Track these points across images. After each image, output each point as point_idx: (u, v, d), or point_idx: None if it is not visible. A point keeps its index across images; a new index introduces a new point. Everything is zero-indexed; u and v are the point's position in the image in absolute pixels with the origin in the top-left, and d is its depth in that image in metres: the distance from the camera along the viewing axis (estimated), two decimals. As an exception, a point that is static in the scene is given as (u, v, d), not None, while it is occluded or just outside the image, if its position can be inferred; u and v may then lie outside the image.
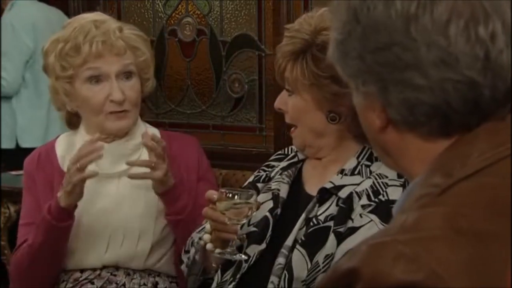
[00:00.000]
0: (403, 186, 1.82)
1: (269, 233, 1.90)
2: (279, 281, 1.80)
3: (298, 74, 1.85)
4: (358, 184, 1.85)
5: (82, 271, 2.35)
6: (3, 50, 4.36)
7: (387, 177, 1.85)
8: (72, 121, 2.43)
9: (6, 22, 4.41)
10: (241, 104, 3.88)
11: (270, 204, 1.95)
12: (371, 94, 1.06)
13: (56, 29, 4.32)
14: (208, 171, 2.49)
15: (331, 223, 1.81)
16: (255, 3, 3.80)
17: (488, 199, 0.94)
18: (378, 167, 1.87)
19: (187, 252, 2.11)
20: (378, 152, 1.15)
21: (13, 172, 3.82)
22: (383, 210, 1.78)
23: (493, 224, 0.92)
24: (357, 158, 1.90)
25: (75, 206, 2.27)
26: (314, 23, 1.86)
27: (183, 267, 2.13)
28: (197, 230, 2.11)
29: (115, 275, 2.34)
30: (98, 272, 2.34)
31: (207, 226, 1.97)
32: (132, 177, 2.28)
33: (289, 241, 1.84)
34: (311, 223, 1.84)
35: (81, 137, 2.39)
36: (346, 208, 1.82)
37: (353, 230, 1.78)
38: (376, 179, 1.85)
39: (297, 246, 1.82)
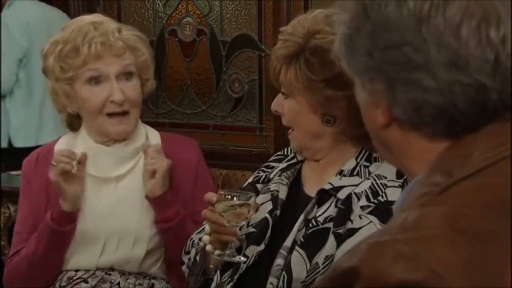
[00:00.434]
0: (402, 186, 1.82)
1: (268, 234, 1.90)
2: (278, 282, 1.80)
3: (292, 78, 1.85)
4: (357, 185, 1.85)
5: (76, 270, 2.35)
6: None
7: (386, 177, 1.85)
8: (73, 124, 2.42)
9: (1, 21, 4.41)
10: (241, 104, 3.88)
11: (269, 206, 1.94)
12: (378, 92, 1.05)
13: (55, 29, 4.31)
14: (205, 177, 2.47)
15: (330, 225, 1.81)
16: (255, 3, 3.80)
17: (488, 199, 0.94)
18: (377, 168, 1.87)
19: (188, 253, 2.11)
20: (379, 148, 1.15)
21: (13, 172, 3.82)
22: (382, 211, 1.78)
23: (493, 224, 0.92)
24: (356, 159, 1.90)
25: (77, 210, 2.29)
26: (307, 26, 1.84)
27: (184, 267, 2.13)
28: (197, 231, 2.11)
29: (109, 274, 2.34)
30: (92, 271, 2.34)
31: (207, 227, 1.97)
32: (146, 151, 2.32)
33: (288, 242, 1.84)
34: (310, 225, 1.83)
35: (82, 139, 2.38)
36: (345, 209, 1.81)
37: (353, 231, 1.78)
38: (375, 180, 1.85)
39: (296, 247, 1.82)
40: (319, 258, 1.78)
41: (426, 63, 0.99)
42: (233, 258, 1.88)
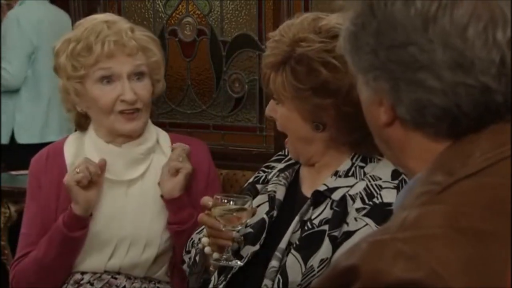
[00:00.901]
0: (397, 188, 1.81)
1: (264, 234, 1.90)
2: (273, 285, 1.79)
3: (279, 86, 1.84)
4: (351, 186, 1.84)
5: (83, 273, 2.34)
6: (7, 44, 4.39)
7: (380, 179, 1.84)
8: (81, 123, 2.40)
9: (12, 17, 4.46)
10: (241, 104, 3.88)
11: (267, 207, 1.94)
12: (381, 91, 1.05)
13: (60, 30, 4.35)
14: (216, 180, 2.47)
15: (325, 227, 1.80)
16: (255, 3, 3.80)
17: (488, 199, 0.94)
18: (372, 168, 1.86)
19: (188, 252, 2.11)
20: (380, 145, 1.14)
21: (14, 172, 3.82)
22: (377, 213, 1.77)
23: (493, 224, 0.91)
24: (351, 159, 1.89)
25: (90, 215, 2.27)
26: (293, 32, 1.83)
27: (184, 266, 2.13)
28: (197, 231, 2.11)
29: (115, 278, 2.33)
30: (98, 275, 2.33)
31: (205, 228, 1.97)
32: (173, 148, 2.33)
33: (282, 244, 1.83)
34: (306, 227, 1.83)
35: (90, 139, 2.37)
36: (340, 212, 1.80)
37: (349, 234, 1.77)
38: (369, 181, 1.84)
39: (292, 250, 1.81)
40: (314, 261, 1.77)
41: (431, 64, 0.99)
42: (229, 263, 1.87)
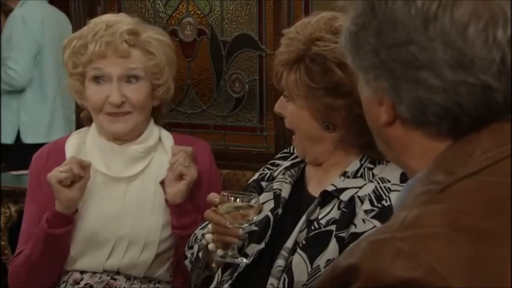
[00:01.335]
0: None
1: (269, 233, 1.90)
2: (278, 284, 1.79)
3: (292, 84, 1.84)
4: (360, 188, 1.84)
5: (82, 272, 2.34)
6: (14, 44, 4.40)
7: (389, 181, 1.83)
8: (91, 120, 2.42)
9: (17, 16, 4.46)
10: (242, 104, 3.87)
11: (272, 204, 1.94)
12: (382, 90, 1.05)
13: (61, 30, 4.36)
14: (217, 181, 2.46)
15: (333, 227, 1.80)
16: (255, 3, 3.79)
17: (488, 198, 0.94)
18: (381, 170, 1.86)
19: (191, 247, 2.10)
20: (380, 145, 1.14)
21: (14, 172, 3.82)
22: (386, 215, 1.76)
23: (493, 223, 0.91)
24: (360, 160, 1.89)
25: (73, 214, 2.26)
26: (310, 31, 1.83)
27: (186, 262, 2.12)
28: (201, 226, 2.10)
29: (115, 279, 2.33)
30: (98, 275, 2.32)
31: (210, 224, 1.96)
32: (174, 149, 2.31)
33: (289, 243, 1.83)
34: (313, 227, 1.82)
35: (92, 137, 2.38)
36: (349, 213, 1.80)
37: (356, 236, 1.76)
38: (378, 183, 1.84)
39: (298, 249, 1.81)
40: (321, 261, 1.77)
41: (432, 63, 0.99)
42: (235, 260, 1.87)
